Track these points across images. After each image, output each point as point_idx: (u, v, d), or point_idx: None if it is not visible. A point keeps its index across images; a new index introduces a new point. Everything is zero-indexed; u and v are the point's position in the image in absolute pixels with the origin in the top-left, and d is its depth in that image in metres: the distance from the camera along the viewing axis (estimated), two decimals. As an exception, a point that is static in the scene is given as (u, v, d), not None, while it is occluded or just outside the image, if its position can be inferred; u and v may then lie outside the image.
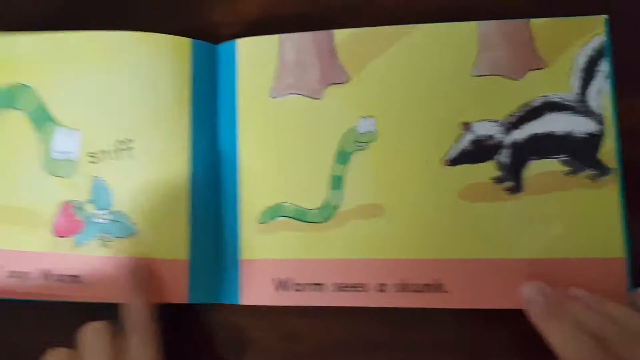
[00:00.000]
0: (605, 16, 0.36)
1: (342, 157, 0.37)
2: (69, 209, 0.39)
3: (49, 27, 0.39)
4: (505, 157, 0.35)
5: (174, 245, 0.37)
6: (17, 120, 0.39)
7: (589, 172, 0.35)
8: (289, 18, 0.40)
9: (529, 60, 0.36)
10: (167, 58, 0.37)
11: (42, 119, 0.39)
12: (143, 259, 0.37)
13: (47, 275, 0.39)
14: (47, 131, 0.39)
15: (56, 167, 0.39)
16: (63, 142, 0.38)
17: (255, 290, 0.37)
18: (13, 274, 0.39)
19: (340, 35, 0.37)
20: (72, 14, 0.42)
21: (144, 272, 0.37)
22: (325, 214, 0.37)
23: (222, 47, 0.39)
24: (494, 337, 0.36)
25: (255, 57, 0.38)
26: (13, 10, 0.42)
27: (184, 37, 0.38)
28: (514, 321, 0.34)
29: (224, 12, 0.41)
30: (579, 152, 0.35)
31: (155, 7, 0.41)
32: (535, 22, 0.36)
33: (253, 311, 0.38)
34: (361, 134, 0.36)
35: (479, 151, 0.36)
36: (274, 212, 0.37)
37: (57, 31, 0.39)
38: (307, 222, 0.37)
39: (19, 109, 0.39)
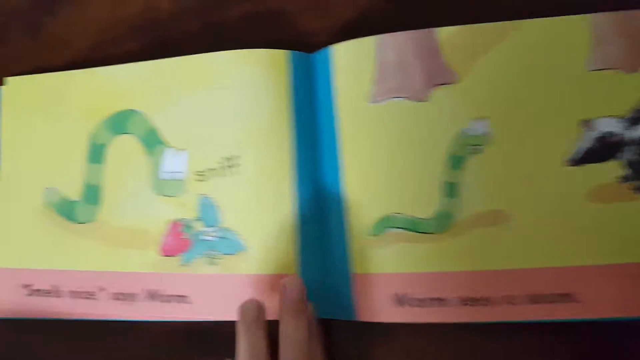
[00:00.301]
0: None
1: (455, 162, 0.35)
2: (178, 227, 0.39)
3: (149, 57, 0.41)
4: (632, 155, 0.34)
5: (284, 260, 0.37)
6: (129, 145, 0.40)
7: None
8: (382, 19, 0.40)
9: (647, 52, 0.34)
10: (264, 72, 0.38)
11: (153, 142, 0.40)
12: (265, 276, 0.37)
13: (154, 295, 0.39)
14: (157, 153, 0.40)
15: (165, 187, 0.39)
16: (172, 163, 0.39)
17: (371, 306, 0.36)
18: (118, 296, 0.39)
19: (445, 32, 0.37)
20: (167, 40, 0.43)
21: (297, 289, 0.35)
22: (441, 223, 0.35)
23: (318, 55, 0.39)
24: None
25: (351, 62, 0.37)
26: (114, 44, 0.44)
27: (279, 50, 0.38)
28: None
29: (314, 19, 0.41)
30: None
31: (244, 20, 0.42)
32: (651, 12, 0.34)
33: (370, 328, 0.37)
34: (474, 136, 0.35)
35: (604, 149, 0.34)
36: (385, 224, 0.36)
37: (160, 59, 0.40)
38: (422, 232, 0.36)
39: (131, 133, 0.40)
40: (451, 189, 0.35)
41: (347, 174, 0.37)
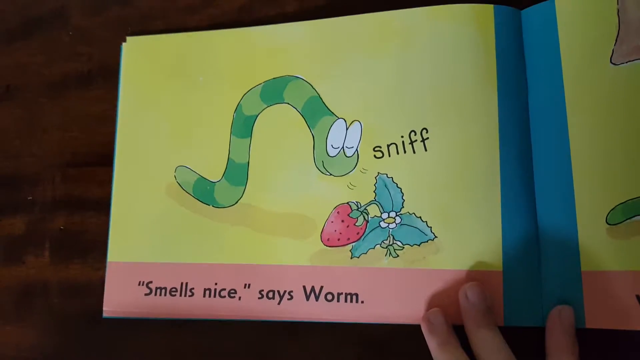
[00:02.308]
0: None
1: None
2: (346, 212, 0.34)
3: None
4: None
5: (486, 253, 0.32)
6: (285, 116, 0.36)
7: None
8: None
9: None
10: (467, 31, 0.34)
11: (316, 112, 0.35)
12: (450, 272, 0.33)
13: (315, 293, 0.34)
14: (321, 125, 0.35)
15: (331, 164, 0.35)
16: (341, 136, 0.35)
17: (607, 311, 0.31)
18: (268, 294, 0.34)
19: None
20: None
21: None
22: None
23: (533, 10, 0.34)
24: None
25: (585, 16, 0.33)
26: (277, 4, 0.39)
27: (485, 4, 0.34)
28: None
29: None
30: None
31: None
32: None
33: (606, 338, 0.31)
34: None
35: None
36: (626, 211, 0.31)
37: (333, 17, 0.36)
38: None
39: (287, 103, 0.36)
40: None
41: (576, 150, 0.32)
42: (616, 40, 0.32)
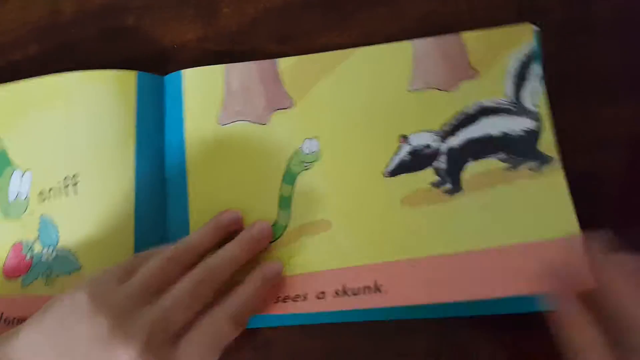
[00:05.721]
0: (532, 25, 0.41)
1: (289, 177, 0.41)
2: (19, 249, 0.43)
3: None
4: (442, 163, 0.40)
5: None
6: None
7: (530, 163, 0.39)
8: (234, 53, 0.46)
9: (462, 71, 0.41)
10: (112, 92, 0.43)
11: (3, 165, 0.44)
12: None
13: None
14: (5, 175, 0.44)
15: (10, 208, 0.44)
16: (17, 184, 0.44)
17: None
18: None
19: (285, 62, 0.44)
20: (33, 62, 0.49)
21: None
22: (275, 233, 0.41)
23: (169, 77, 0.45)
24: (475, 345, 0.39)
25: (201, 87, 0.44)
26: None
27: (129, 71, 0.44)
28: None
29: (177, 45, 0.48)
30: (517, 148, 0.39)
31: (107, 42, 0.49)
32: (466, 35, 0.42)
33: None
34: (306, 154, 0.42)
35: (416, 160, 0.40)
36: None
37: (14, 82, 0.46)
38: None
39: None
40: (285, 202, 0.41)
41: (192, 192, 0.42)
42: (222, 106, 0.43)
